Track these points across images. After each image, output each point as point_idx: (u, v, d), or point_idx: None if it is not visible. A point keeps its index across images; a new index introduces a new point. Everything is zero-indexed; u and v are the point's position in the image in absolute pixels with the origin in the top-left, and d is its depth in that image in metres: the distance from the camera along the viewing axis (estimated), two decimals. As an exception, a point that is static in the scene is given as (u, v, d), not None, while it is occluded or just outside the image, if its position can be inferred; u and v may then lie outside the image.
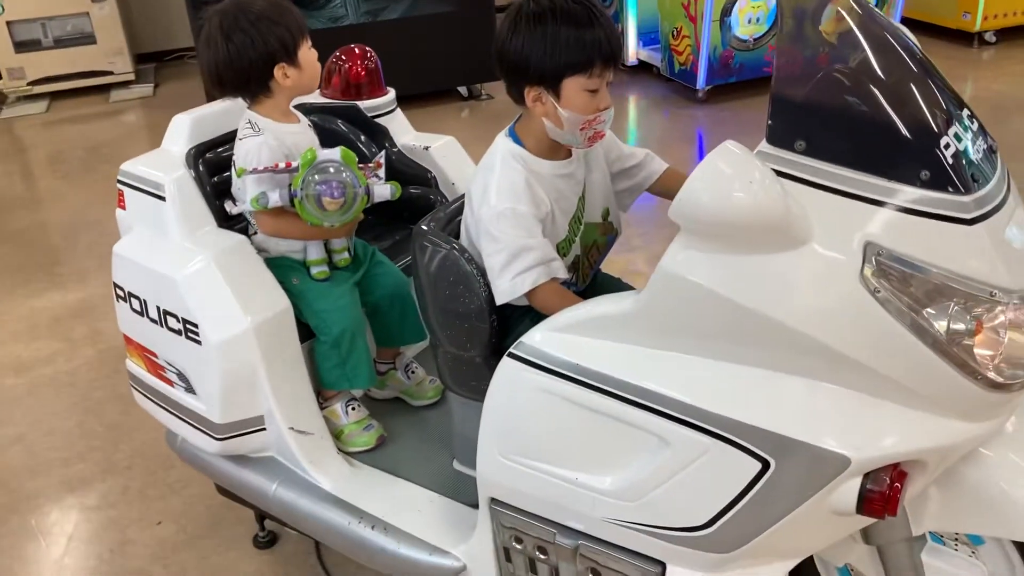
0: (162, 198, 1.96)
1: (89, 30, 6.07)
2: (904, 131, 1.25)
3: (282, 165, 1.86)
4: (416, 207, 2.19)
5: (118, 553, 2.37)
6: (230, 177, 2.00)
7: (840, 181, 1.24)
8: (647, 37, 5.92)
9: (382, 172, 1.94)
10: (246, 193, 1.88)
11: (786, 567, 1.43)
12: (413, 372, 2.20)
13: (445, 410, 2.02)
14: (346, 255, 2.06)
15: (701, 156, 3.82)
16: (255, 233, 2.01)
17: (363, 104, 2.33)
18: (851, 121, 1.29)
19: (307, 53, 1.93)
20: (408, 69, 4.97)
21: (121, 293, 2.05)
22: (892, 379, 1.25)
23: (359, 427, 2.04)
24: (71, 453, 2.75)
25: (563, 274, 1.64)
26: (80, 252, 4.07)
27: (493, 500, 1.61)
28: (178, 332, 1.92)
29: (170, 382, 2.02)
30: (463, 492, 1.81)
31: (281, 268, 1.98)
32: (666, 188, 1.85)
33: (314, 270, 2.00)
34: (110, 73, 6.20)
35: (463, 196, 1.80)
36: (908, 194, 1.23)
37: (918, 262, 1.22)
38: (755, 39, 5.26)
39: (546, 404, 1.45)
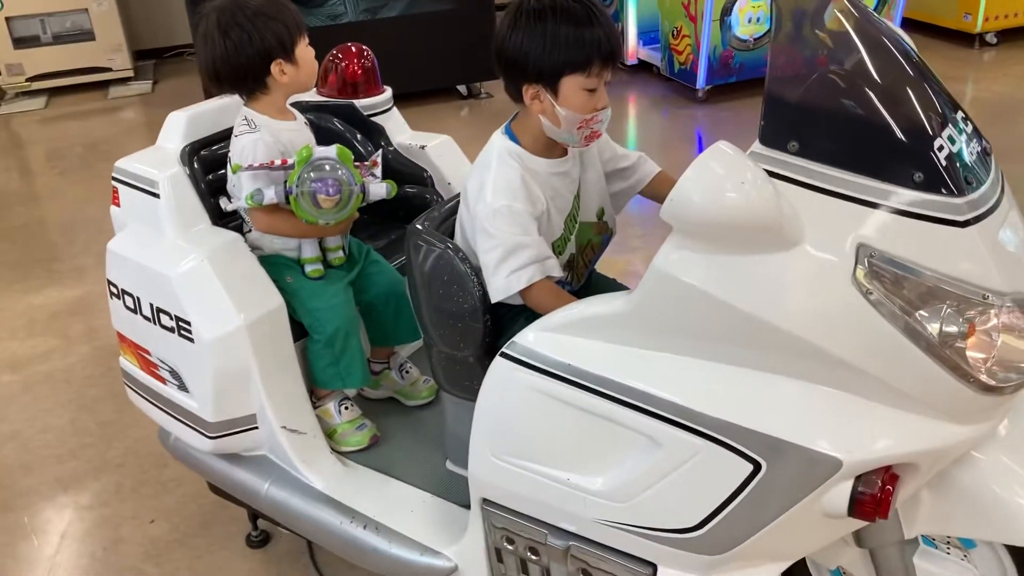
0: (156, 195, 1.96)
1: (88, 26, 6.07)
2: (898, 133, 1.25)
3: (278, 162, 1.85)
4: (412, 206, 2.17)
5: (111, 551, 2.37)
6: (225, 175, 2.00)
7: (833, 182, 1.24)
8: (647, 36, 5.92)
9: (378, 170, 1.94)
10: (241, 190, 1.88)
11: (778, 569, 1.42)
12: (407, 372, 2.19)
13: (439, 410, 2.01)
14: (341, 254, 2.05)
15: (699, 156, 3.80)
16: (249, 231, 2.01)
17: (359, 103, 2.33)
18: (844, 122, 1.29)
19: (304, 50, 1.93)
20: (407, 67, 4.97)
21: (115, 290, 2.05)
22: (884, 381, 1.25)
23: (352, 426, 2.04)
24: (64, 450, 2.75)
25: (558, 272, 1.63)
26: (78, 249, 4.06)
27: (485, 500, 1.60)
28: (171, 329, 1.91)
29: (163, 380, 2.02)
30: (456, 492, 1.81)
31: (275, 266, 1.98)
32: (658, 192, 1.84)
33: (308, 268, 2.00)
34: (109, 70, 6.20)
35: (458, 195, 1.80)
36: (901, 196, 1.22)
37: (911, 264, 1.21)
38: (755, 39, 5.25)
39: (538, 404, 1.45)
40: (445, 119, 5.33)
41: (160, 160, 2.01)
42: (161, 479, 2.59)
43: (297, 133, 1.98)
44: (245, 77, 1.90)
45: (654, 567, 1.45)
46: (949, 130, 1.28)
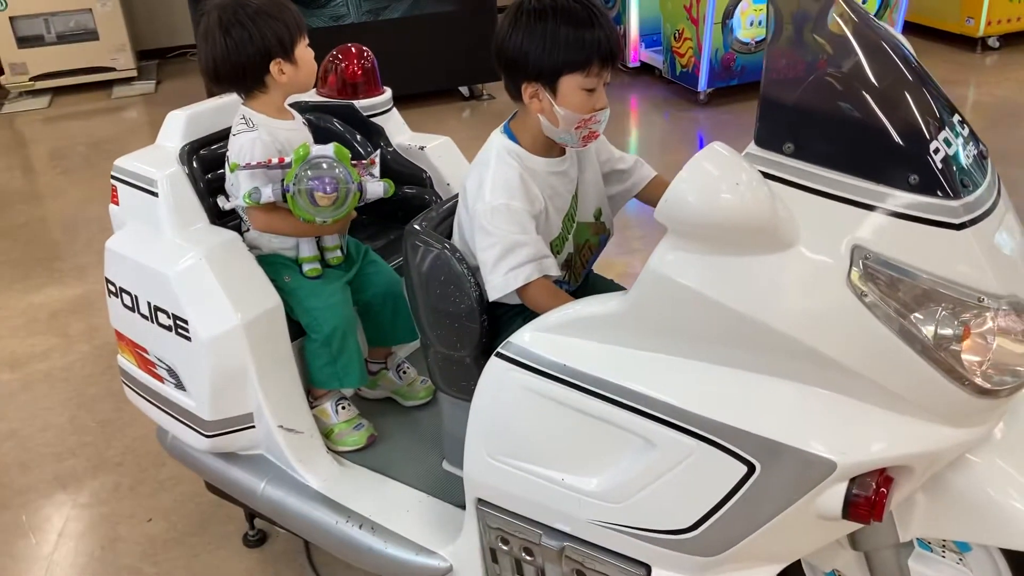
0: (155, 194, 1.96)
1: (92, 26, 6.08)
2: (894, 135, 1.25)
3: (275, 160, 1.86)
4: (410, 207, 2.18)
5: (108, 550, 2.37)
6: (224, 174, 2.00)
7: (828, 184, 1.24)
8: (649, 39, 5.92)
9: (376, 170, 1.94)
10: (239, 188, 1.88)
11: (772, 571, 1.42)
12: (405, 372, 2.19)
13: (436, 411, 2.01)
14: (339, 253, 2.06)
15: (700, 159, 3.80)
16: (247, 230, 2.01)
17: (359, 103, 2.33)
18: (840, 124, 1.29)
19: (304, 50, 1.93)
20: (409, 69, 4.97)
21: (113, 288, 2.05)
22: (879, 384, 1.24)
23: (349, 426, 2.04)
24: (63, 449, 2.75)
25: (555, 272, 1.64)
26: (79, 248, 4.07)
27: (480, 501, 1.60)
28: (168, 328, 1.91)
29: (160, 378, 2.02)
30: (452, 493, 1.81)
31: (273, 265, 1.98)
32: (654, 195, 1.84)
33: (306, 267, 2.00)
34: (112, 69, 6.21)
35: (456, 196, 1.80)
36: (896, 198, 1.22)
37: (906, 266, 1.21)
38: (757, 42, 5.24)
39: (533, 404, 1.45)
40: (447, 121, 5.34)
41: (159, 159, 2.02)
42: (159, 478, 2.59)
43: (295, 132, 1.99)
44: (244, 75, 1.91)
45: (648, 568, 1.45)
46: (945, 133, 1.28)
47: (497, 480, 1.54)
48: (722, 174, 1.18)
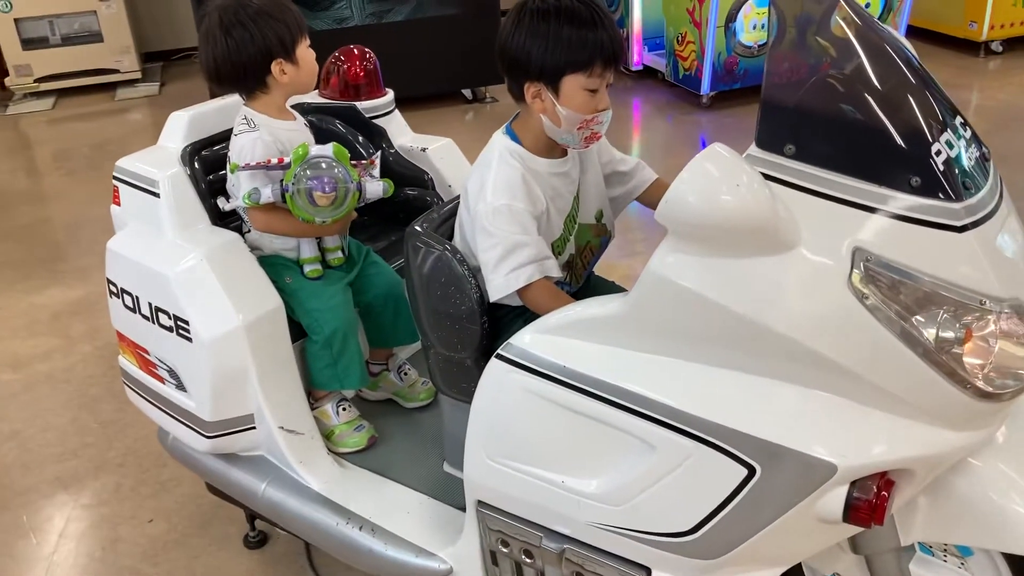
0: (156, 195, 1.96)
1: (96, 28, 6.10)
2: (895, 137, 1.24)
3: (275, 161, 1.86)
4: (412, 208, 2.18)
5: (109, 551, 2.36)
6: (225, 175, 2.00)
7: (829, 186, 1.23)
8: (652, 42, 5.92)
9: (376, 170, 1.94)
10: (239, 189, 1.88)
11: (773, 574, 1.41)
12: (406, 374, 2.19)
13: (437, 412, 2.01)
14: (340, 254, 2.06)
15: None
16: (249, 231, 2.01)
17: (361, 105, 2.33)
18: (841, 126, 1.28)
19: (305, 51, 1.94)
20: (412, 71, 4.97)
21: (114, 289, 2.05)
22: (880, 387, 1.24)
23: (350, 427, 2.04)
24: (64, 449, 2.75)
25: (556, 273, 1.63)
26: (82, 249, 4.07)
27: (480, 503, 1.60)
28: (169, 329, 1.91)
29: (161, 379, 2.02)
30: (452, 495, 1.80)
31: (274, 266, 1.98)
32: (654, 198, 1.83)
33: (307, 268, 2.00)
34: (116, 71, 6.22)
35: (457, 198, 1.80)
36: (898, 200, 1.22)
37: (907, 269, 1.20)
38: (760, 45, 5.24)
39: (533, 406, 1.44)
40: (450, 123, 5.34)
41: (161, 160, 2.02)
42: (160, 479, 2.59)
43: (296, 133, 1.99)
44: (245, 76, 1.91)
45: (648, 571, 1.44)
46: (947, 135, 1.27)
47: (497, 482, 1.53)
48: (723, 175, 1.18)
